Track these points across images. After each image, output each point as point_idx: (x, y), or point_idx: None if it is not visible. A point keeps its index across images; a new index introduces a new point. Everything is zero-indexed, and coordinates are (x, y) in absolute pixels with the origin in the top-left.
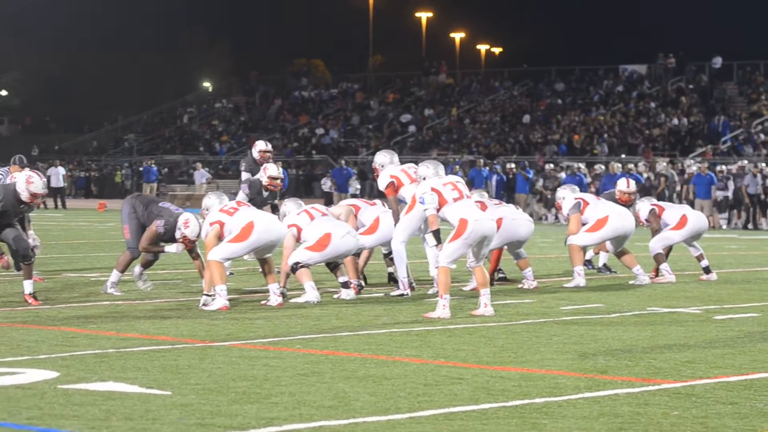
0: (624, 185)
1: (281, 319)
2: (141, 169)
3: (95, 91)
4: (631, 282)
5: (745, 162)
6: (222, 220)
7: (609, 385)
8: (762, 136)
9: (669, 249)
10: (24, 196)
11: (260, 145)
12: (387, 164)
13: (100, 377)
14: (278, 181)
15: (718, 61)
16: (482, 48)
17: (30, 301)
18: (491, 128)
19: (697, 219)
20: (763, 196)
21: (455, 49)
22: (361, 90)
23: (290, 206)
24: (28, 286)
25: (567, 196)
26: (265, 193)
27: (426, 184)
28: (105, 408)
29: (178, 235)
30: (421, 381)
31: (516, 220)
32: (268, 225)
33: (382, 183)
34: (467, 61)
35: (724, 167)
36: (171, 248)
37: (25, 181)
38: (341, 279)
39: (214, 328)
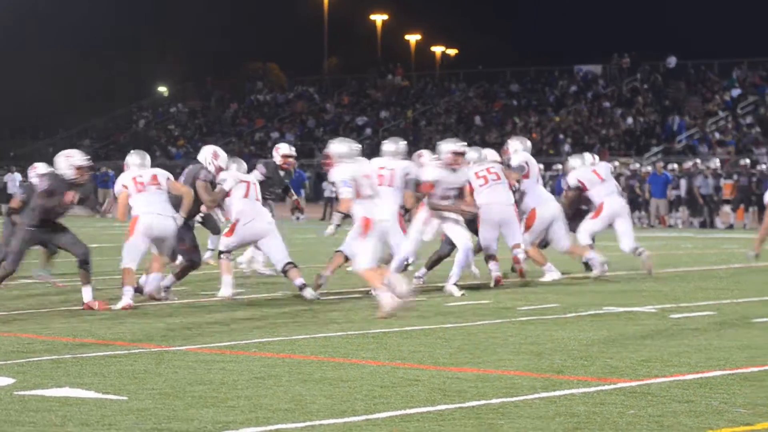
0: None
1: (237, 323)
2: (97, 174)
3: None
4: (541, 279)
5: (697, 161)
6: (129, 190)
7: (565, 384)
8: (717, 135)
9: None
10: (69, 174)
11: (283, 149)
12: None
13: (56, 383)
14: (292, 159)
15: (672, 61)
16: (438, 50)
17: (95, 306)
18: (447, 129)
19: (611, 202)
20: (715, 197)
21: (411, 51)
22: (317, 93)
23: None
24: (87, 293)
25: None
26: (282, 173)
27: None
28: (61, 414)
29: None
30: (377, 383)
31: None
32: (151, 221)
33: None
34: (423, 63)
35: (675, 166)
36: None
37: (65, 156)
38: (297, 282)
39: (171, 332)
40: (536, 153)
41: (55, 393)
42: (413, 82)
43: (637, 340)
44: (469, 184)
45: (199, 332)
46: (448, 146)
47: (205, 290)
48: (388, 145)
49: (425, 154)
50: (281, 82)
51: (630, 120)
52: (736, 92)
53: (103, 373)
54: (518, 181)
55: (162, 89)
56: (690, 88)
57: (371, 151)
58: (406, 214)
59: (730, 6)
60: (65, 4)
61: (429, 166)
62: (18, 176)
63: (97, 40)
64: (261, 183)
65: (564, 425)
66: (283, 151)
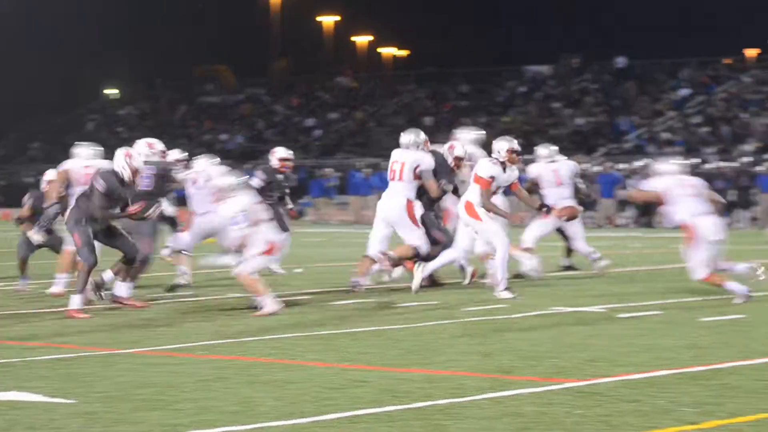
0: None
1: (185, 326)
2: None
3: None
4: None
5: (643, 162)
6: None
7: (513, 385)
8: (665, 135)
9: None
10: (126, 174)
11: (280, 153)
12: None
13: (3, 387)
14: (290, 162)
15: (621, 61)
16: (388, 51)
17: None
18: (396, 131)
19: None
20: None
21: (361, 52)
22: (266, 95)
23: None
24: (122, 289)
25: None
26: (280, 177)
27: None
28: (8, 418)
29: None
30: (325, 385)
31: None
32: None
33: None
34: (373, 65)
35: (624, 165)
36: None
37: (124, 155)
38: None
39: (119, 335)
40: (488, 153)
41: (2, 397)
42: (362, 83)
43: (585, 340)
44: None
45: (147, 335)
46: (504, 144)
47: (154, 293)
48: (403, 137)
49: (457, 145)
50: (230, 84)
51: (579, 120)
52: (684, 92)
53: (51, 377)
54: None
55: (112, 91)
56: (639, 88)
57: (321, 152)
58: (432, 205)
59: (677, 6)
60: (11, 6)
61: (485, 163)
62: None
63: (45, 42)
64: (261, 189)
65: (511, 425)
66: (279, 154)
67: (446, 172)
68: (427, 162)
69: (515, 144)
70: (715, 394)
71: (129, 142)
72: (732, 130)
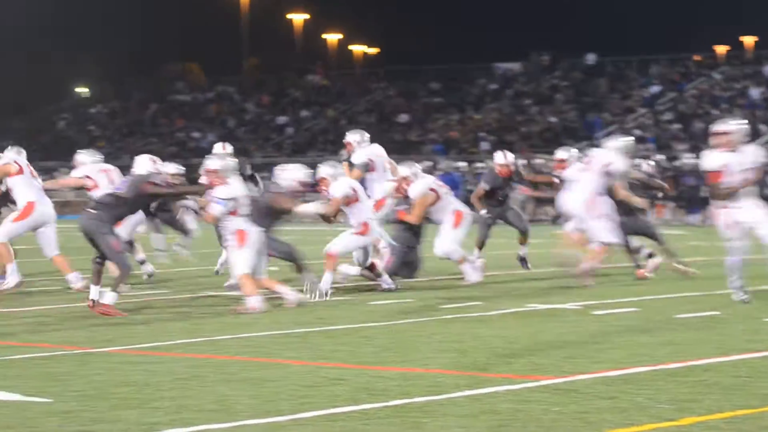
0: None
1: (161, 324)
2: None
3: None
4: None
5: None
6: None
7: (489, 382)
8: (637, 131)
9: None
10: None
11: (216, 148)
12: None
13: None
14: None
15: (591, 58)
16: (358, 49)
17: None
18: (368, 129)
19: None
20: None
21: (331, 50)
22: (237, 93)
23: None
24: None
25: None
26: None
27: None
28: None
29: None
30: (302, 383)
31: None
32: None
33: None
34: (344, 63)
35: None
36: None
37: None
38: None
39: (94, 334)
40: (458, 151)
41: None
42: (333, 81)
43: (561, 337)
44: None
45: (123, 333)
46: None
47: (128, 291)
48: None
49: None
50: (201, 83)
51: (551, 117)
52: (655, 89)
53: (27, 376)
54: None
55: (82, 90)
56: (609, 85)
57: (293, 150)
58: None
59: (647, 3)
60: None
61: (710, 153)
62: None
63: (13, 41)
64: None
65: (488, 423)
66: (215, 151)
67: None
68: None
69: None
70: (692, 391)
71: (100, 140)
72: (704, 126)
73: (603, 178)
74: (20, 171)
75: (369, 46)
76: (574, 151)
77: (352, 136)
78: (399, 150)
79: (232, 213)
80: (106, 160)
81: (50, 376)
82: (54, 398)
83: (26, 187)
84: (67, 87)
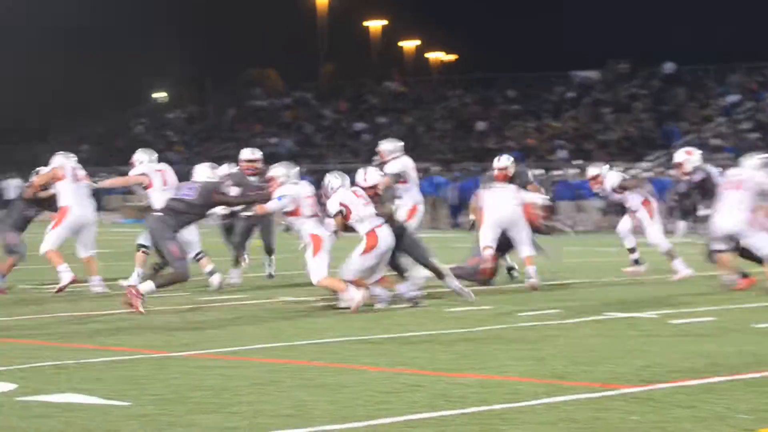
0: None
1: (238, 329)
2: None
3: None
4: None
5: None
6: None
7: (567, 390)
8: (714, 141)
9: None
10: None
11: (245, 154)
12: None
13: (58, 389)
14: (256, 163)
15: (669, 66)
16: (435, 56)
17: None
18: (444, 136)
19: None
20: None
21: (408, 57)
22: (314, 99)
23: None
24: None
25: None
26: (253, 179)
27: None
28: (64, 420)
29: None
30: (378, 389)
31: None
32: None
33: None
34: (420, 69)
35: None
36: None
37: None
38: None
39: (172, 338)
40: (537, 159)
41: (57, 399)
42: (411, 88)
43: (639, 345)
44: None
45: (200, 338)
46: None
47: (205, 295)
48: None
49: None
50: (278, 88)
51: (629, 126)
52: (732, 98)
53: (105, 379)
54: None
55: (160, 95)
56: (687, 94)
57: (370, 156)
58: None
59: (726, 11)
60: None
61: None
62: (16, 182)
63: (91, 43)
64: None
65: (567, 431)
66: (243, 155)
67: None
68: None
69: None
70: None
71: (178, 145)
72: None
73: (756, 196)
74: (63, 176)
75: (446, 53)
76: (605, 167)
77: (387, 145)
78: (476, 157)
79: (293, 213)
80: (184, 165)
81: (128, 379)
82: (132, 401)
83: (65, 193)
84: (144, 92)
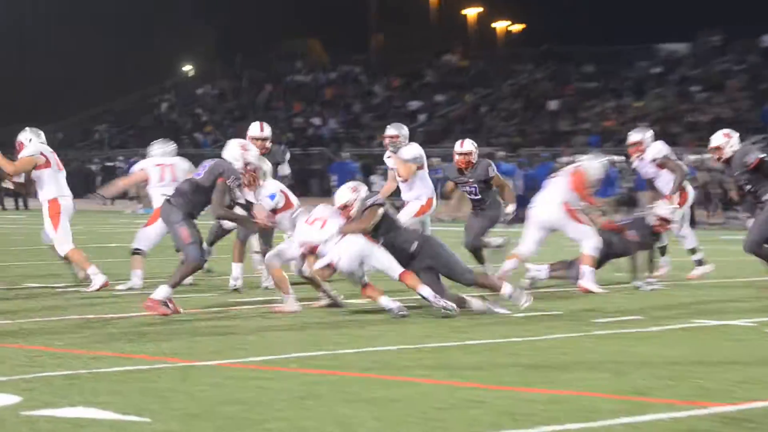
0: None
1: (274, 335)
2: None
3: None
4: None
5: None
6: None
7: (650, 408)
8: None
9: None
10: (239, 165)
11: (252, 130)
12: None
13: (69, 402)
14: (265, 142)
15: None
16: (501, 26)
17: None
18: (511, 116)
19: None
20: None
21: (470, 26)
22: (363, 74)
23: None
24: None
25: None
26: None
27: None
28: None
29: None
30: (434, 404)
31: None
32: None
33: None
34: (484, 41)
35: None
36: None
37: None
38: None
39: (198, 345)
40: (616, 143)
41: (67, 413)
42: (473, 62)
43: (733, 357)
44: None
45: (231, 345)
46: None
47: (237, 297)
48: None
49: None
50: (322, 62)
51: (721, 107)
52: None
53: (123, 391)
54: None
55: (187, 68)
56: None
57: (425, 139)
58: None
59: None
60: None
61: None
62: None
63: (111, 12)
64: None
65: None
66: (251, 132)
67: None
68: None
69: None
70: None
71: (207, 125)
72: None
73: None
74: (47, 164)
75: (513, 23)
76: (649, 133)
77: (394, 130)
78: (547, 141)
79: (284, 208)
80: (214, 148)
81: (149, 391)
82: (153, 417)
83: (50, 183)
84: (172, 65)
